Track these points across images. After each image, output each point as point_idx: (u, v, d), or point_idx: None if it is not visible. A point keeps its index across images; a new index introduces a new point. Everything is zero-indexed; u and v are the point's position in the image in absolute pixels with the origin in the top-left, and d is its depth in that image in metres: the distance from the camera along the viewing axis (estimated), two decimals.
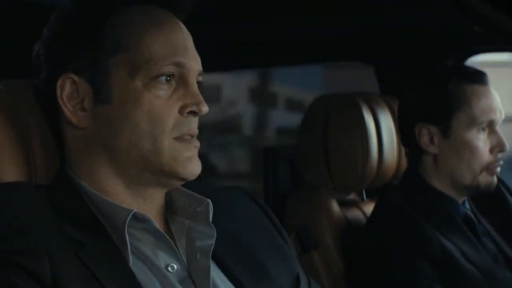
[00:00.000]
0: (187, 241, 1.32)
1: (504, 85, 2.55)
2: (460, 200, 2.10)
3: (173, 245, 1.29)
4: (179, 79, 1.30)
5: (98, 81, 1.28)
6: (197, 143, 1.31)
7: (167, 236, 1.29)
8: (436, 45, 2.56)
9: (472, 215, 2.12)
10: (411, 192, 2.09)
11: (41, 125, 1.34)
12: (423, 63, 2.55)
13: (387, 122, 2.27)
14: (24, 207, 1.23)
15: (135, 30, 1.28)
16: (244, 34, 2.65)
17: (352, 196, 2.40)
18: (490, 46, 2.57)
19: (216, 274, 1.32)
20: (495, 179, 2.08)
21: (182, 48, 1.30)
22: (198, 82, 1.33)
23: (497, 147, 2.05)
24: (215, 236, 1.30)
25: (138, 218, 1.27)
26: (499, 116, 2.07)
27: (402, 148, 2.24)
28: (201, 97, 1.30)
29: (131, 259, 1.24)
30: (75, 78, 1.28)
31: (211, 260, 1.31)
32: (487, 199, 2.17)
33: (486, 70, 2.12)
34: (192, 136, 1.30)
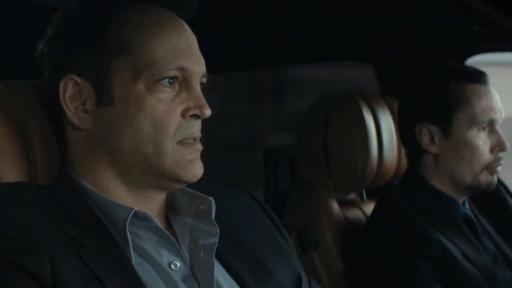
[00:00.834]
0: (190, 239, 1.32)
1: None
2: (460, 200, 2.10)
3: (176, 242, 1.29)
4: (182, 82, 1.29)
5: (101, 83, 1.27)
6: (199, 146, 1.31)
7: (169, 234, 1.29)
8: (436, 45, 2.56)
9: (472, 215, 2.12)
10: (411, 192, 2.09)
11: (41, 125, 1.34)
12: (423, 63, 2.55)
13: (387, 122, 2.27)
14: (24, 207, 1.23)
15: (139, 32, 1.28)
16: (244, 35, 2.65)
17: (352, 196, 2.41)
18: (490, 46, 2.57)
19: (218, 272, 1.32)
20: (495, 178, 2.08)
21: (186, 52, 1.29)
22: (201, 84, 1.33)
23: (498, 146, 2.05)
24: (218, 234, 1.30)
25: (139, 217, 1.27)
26: (499, 115, 2.07)
27: (402, 148, 2.24)
28: (204, 100, 1.30)
29: (134, 257, 1.24)
30: (78, 79, 1.28)
31: (214, 259, 1.31)
32: (487, 199, 2.17)
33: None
34: (194, 140, 1.30)
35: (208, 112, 1.30)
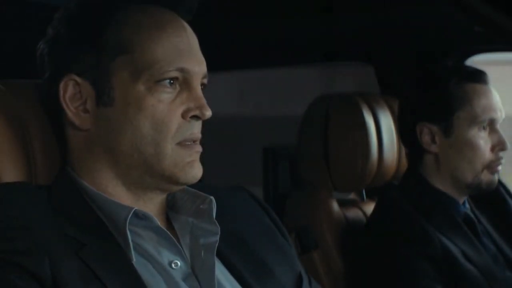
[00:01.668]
0: (190, 238, 1.32)
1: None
2: (461, 200, 2.11)
3: (176, 242, 1.29)
4: (183, 83, 1.29)
5: (101, 83, 1.27)
6: (199, 148, 1.30)
7: (169, 233, 1.29)
8: (436, 45, 2.56)
9: (472, 215, 2.12)
10: (412, 192, 2.09)
11: (41, 125, 1.34)
12: (423, 63, 2.55)
13: (387, 122, 2.27)
14: (24, 207, 1.23)
15: (139, 32, 1.28)
16: (244, 34, 2.65)
17: (352, 196, 2.40)
18: (490, 46, 2.58)
19: (219, 271, 1.32)
20: (496, 177, 2.09)
21: (187, 52, 1.29)
22: (202, 84, 1.33)
23: (498, 145, 2.05)
24: (219, 233, 1.30)
25: (139, 216, 1.27)
26: (500, 114, 2.07)
27: (402, 148, 2.25)
28: (204, 101, 1.29)
29: (135, 256, 1.24)
30: (78, 79, 1.28)
31: (215, 258, 1.31)
32: (487, 199, 2.17)
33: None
34: (194, 141, 1.30)
35: (208, 113, 1.29)
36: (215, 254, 1.30)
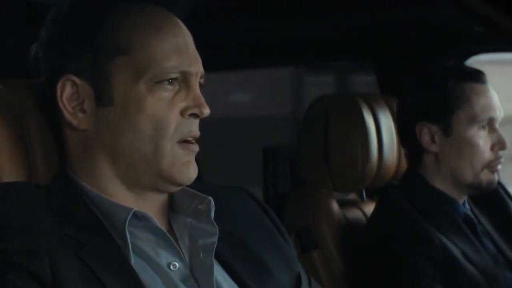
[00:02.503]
0: (189, 239, 1.32)
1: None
2: (461, 200, 2.11)
3: (175, 243, 1.29)
4: (182, 81, 1.29)
5: (100, 84, 1.27)
6: (196, 148, 1.31)
7: (168, 234, 1.29)
8: (436, 45, 2.56)
9: (472, 216, 2.12)
10: (412, 192, 2.09)
11: (41, 125, 1.34)
12: (423, 63, 2.55)
13: (387, 122, 2.27)
14: (24, 207, 1.23)
15: (137, 32, 1.28)
16: (243, 34, 2.65)
17: (352, 196, 2.40)
18: (490, 46, 2.58)
19: (218, 273, 1.31)
20: (496, 177, 2.09)
21: (185, 52, 1.29)
22: (199, 84, 1.33)
23: (498, 144, 2.06)
24: (218, 233, 1.30)
25: (139, 217, 1.27)
26: (499, 114, 2.08)
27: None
28: (203, 100, 1.30)
29: (134, 258, 1.24)
30: (76, 80, 1.27)
31: (214, 259, 1.31)
32: (486, 200, 2.17)
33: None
34: (193, 139, 1.30)
35: (207, 111, 1.30)
36: (213, 255, 1.30)
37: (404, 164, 2.25)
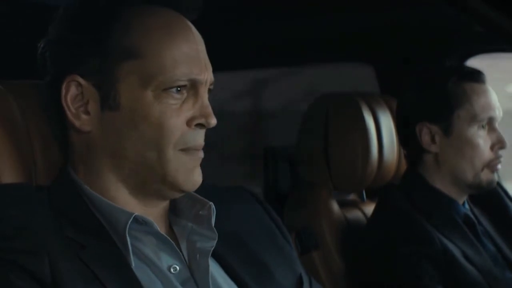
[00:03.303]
0: (188, 243, 1.32)
1: None
2: (461, 201, 2.11)
3: (175, 246, 1.29)
4: (190, 89, 1.27)
5: (106, 87, 1.25)
6: (201, 154, 1.29)
7: (169, 238, 1.28)
8: (436, 45, 2.56)
9: (472, 216, 2.12)
10: (412, 192, 2.09)
11: (42, 125, 1.34)
12: (423, 63, 2.55)
13: (387, 122, 2.27)
14: (24, 208, 1.23)
15: (148, 37, 1.25)
16: (244, 34, 2.65)
17: (352, 196, 2.40)
18: (490, 46, 2.58)
19: (218, 274, 1.31)
20: (496, 176, 2.09)
21: (196, 60, 1.27)
22: (208, 90, 1.31)
23: (498, 144, 2.06)
24: (216, 239, 1.30)
25: (139, 221, 1.26)
26: (498, 113, 2.08)
27: None
28: (210, 110, 1.28)
29: (134, 261, 1.23)
30: (81, 81, 1.26)
31: (214, 260, 1.31)
32: (485, 200, 2.18)
33: None
34: (197, 149, 1.29)
35: (213, 122, 1.28)
36: (209, 257, 1.29)
37: (404, 164, 2.25)
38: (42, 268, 1.15)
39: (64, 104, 1.27)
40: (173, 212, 1.36)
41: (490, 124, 2.07)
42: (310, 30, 2.57)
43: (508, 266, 2.08)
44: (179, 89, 1.26)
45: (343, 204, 2.30)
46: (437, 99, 2.07)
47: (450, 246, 1.98)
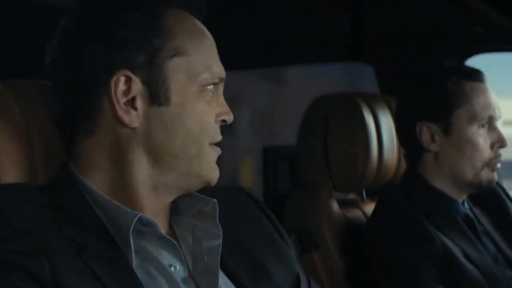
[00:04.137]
0: (193, 241, 1.32)
1: None
2: (460, 200, 2.11)
3: (178, 246, 1.29)
4: (214, 89, 1.33)
5: (155, 82, 1.27)
6: (219, 150, 1.34)
7: (172, 239, 1.28)
8: (436, 45, 2.56)
9: (472, 215, 2.12)
10: (412, 192, 2.09)
11: (42, 125, 1.34)
12: (423, 63, 2.55)
13: (387, 122, 2.27)
14: (24, 208, 1.22)
15: (190, 37, 1.30)
16: (244, 34, 2.65)
17: (352, 196, 2.40)
18: (490, 46, 2.58)
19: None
20: (496, 175, 2.09)
21: (219, 60, 1.34)
22: None
23: (497, 143, 2.06)
24: (221, 235, 1.30)
25: (143, 222, 1.26)
26: (498, 112, 2.08)
27: None
28: (228, 107, 1.34)
29: (136, 260, 1.23)
30: (132, 76, 1.26)
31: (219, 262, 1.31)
32: (485, 200, 2.18)
33: None
34: (216, 144, 1.33)
35: (232, 117, 1.34)
36: (219, 258, 1.29)
37: (404, 163, 2.25)
38: (43, 269, 1.15)
39: (114, 100, 1.26)
40: (174, 210, 1.36)
41: (489, 123, 2.07)
42: (310, 30, 2.57)
43: (508, 265, 2.08)
44: (210, 89, 1.31)
45: (343, 204, 2.30)
46: (437, 98, 2.07)
47: (450, 245, 1.98)
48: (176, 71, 1.28)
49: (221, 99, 1.34)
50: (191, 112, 1.28)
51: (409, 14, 2.39)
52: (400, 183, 2.19)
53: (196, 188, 1.34)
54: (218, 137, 1.33)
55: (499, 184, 2.25)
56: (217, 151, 1.33)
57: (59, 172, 1.32)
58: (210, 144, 1.31)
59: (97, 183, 1.28)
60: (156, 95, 1.27)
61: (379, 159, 2.22)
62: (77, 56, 1.28)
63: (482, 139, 2.06)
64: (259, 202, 1.50)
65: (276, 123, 3.23)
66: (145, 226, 1.27)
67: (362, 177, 2.22)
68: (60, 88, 1.30)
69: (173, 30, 1.29)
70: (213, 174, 1.32)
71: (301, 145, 2.31)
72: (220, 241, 1.30)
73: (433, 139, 2.08)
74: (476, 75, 2.09)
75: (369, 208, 2.28)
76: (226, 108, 1.34)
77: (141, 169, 1.28)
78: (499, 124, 2.10)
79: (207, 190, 1.36)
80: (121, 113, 1.27)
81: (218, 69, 1.32)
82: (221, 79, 1.33)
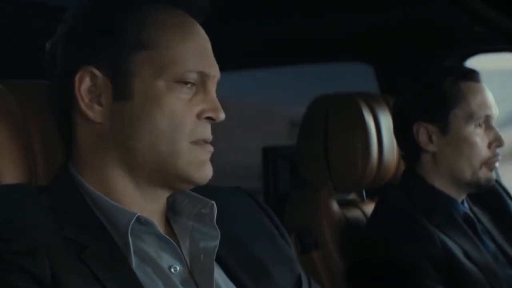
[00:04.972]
0: (190, 242, 1.32)
1: None
2: (460, 199, 2.11)
3: (177, 247, 1.29)
4: (200, 85, 1.30)
5: (119, 77, 1.26)
6: (211, 148, 1.31)
7: (170, 239, 1.28)
8: (436, 45, 2.57)
9: (471, 214, 2.12)
10: (411, 192, 2.09)
11: (42, 125, 1.33)
12: (423, 63, 2.55)
13: (387, 122, 2.27)
14: (24, 208, 1.22)
15: (161, 30, 1.28)
16: (244, 34, 2.65)
17: (352, 196, 2.40)
18: (490, 46, 2.58)
19: (217, 274, 1.31)
20: (494, 174, 2.10)
21: (205, 55, 1.31)
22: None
23: (495, 142, 2.07)
24: (219, 237, 1.30)
25: (141, 222, 1.26)
26: (494, 112, 2.09)
27: None
28: (219, 104, 1.30)
29: (135, 261, 1.23)
30: (96, 72, 1.27)
31: (214, 262, 1.30)
32: (484, 198, 2.18)
33: None
34: (206, 142, 1.30)
35: (222, 115, 1.30)
36: (214, 259, 1.29)
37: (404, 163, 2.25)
38: (43, 269, 1.15)
39: (77, 95, 1.27)
40: (173, 211, 1.36)
41: (486, 122, 2.08)
42: (310, 30, 2.57)
43: (509, 263, 2.08)
44: (188, 85, 1.28)
45: (343, 204, 2.30)
46: (434, 98, 2.08)
47: (451, 244, 1.98)
48: (141, 65, 1.26)
49: (210, 95, 1.30)
50: (157, 107, 1.26)
51: (409, 14, 2.39)
52: (399, 183, 2.19)
53: (184, 188, 1.32)
54: (203, 135, 1.29)
55: (498, 182, 2.25)
56: (206, 149, 1.30)
57: (59, 172, 1.32)
58: (193, 142, 1.28)
59: (91, 182, 1.29)
60: (120, 90, 1.26)
61: (379, 159, 2.22)
62: (53, 54, 1.30)
63: (480, 138, 2.06)
64: (260, 202, 1.50)
65: (276, 123, 3.23)
66: (144, 226, 1.27)
67: (362, 177, 2.22)
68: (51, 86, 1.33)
69: (142, 25, 1.27)
70: (196, 174, 1.28)
71: (301, 145, 2.31)
72: (217, 242, 1.30)
73: (430, 139, 2.08)
74: (472, 75, 2.10)
75: (369, 208, 2.28)
76: (213, 105, 1.30)
77: (114, 166, 1.28)
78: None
79: (207, 190, 1.36)
80: (84, 108, 1.27)
81: (197, 63, 1.28)
82: (203, 74, 1.29)
